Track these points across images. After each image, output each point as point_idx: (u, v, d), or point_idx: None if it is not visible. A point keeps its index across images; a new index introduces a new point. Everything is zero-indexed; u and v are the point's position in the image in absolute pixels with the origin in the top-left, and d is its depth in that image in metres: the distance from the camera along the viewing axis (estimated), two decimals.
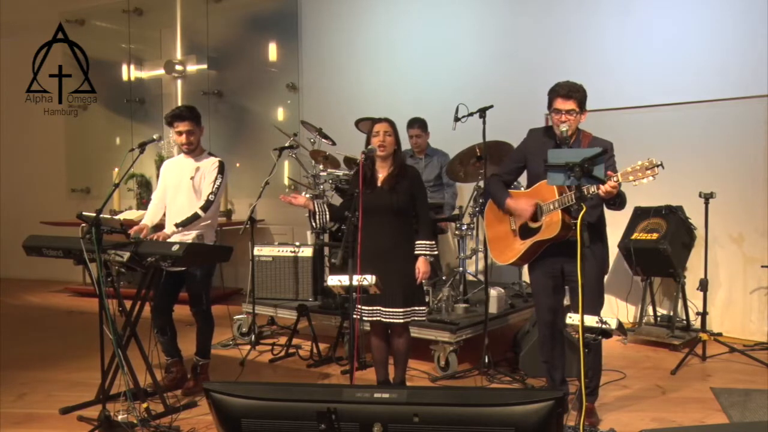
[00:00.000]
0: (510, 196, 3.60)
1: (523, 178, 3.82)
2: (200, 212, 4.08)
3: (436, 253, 3.93)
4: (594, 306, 3.38)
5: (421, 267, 3.76)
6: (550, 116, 3.47)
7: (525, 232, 3.54)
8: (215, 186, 4.15)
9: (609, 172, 3.05)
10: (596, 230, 3.44)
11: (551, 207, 3.37)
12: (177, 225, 4.04)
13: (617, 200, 3.23)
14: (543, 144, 3.44)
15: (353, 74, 7.23)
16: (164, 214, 4.32)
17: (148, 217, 4.31)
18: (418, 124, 5.79)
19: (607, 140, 3.46)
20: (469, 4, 6.61)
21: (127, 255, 3.62)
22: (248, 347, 5.14)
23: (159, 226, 4.32)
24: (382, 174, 3.83)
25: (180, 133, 4.16)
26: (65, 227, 7.42)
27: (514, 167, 3.70)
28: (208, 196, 4.13)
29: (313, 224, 4.04)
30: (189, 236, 4.09)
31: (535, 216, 3.48)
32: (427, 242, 3.79)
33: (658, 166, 2.90)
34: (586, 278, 3.37)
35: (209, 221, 4.20)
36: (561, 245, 3.36)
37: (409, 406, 1.74)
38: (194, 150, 4.24)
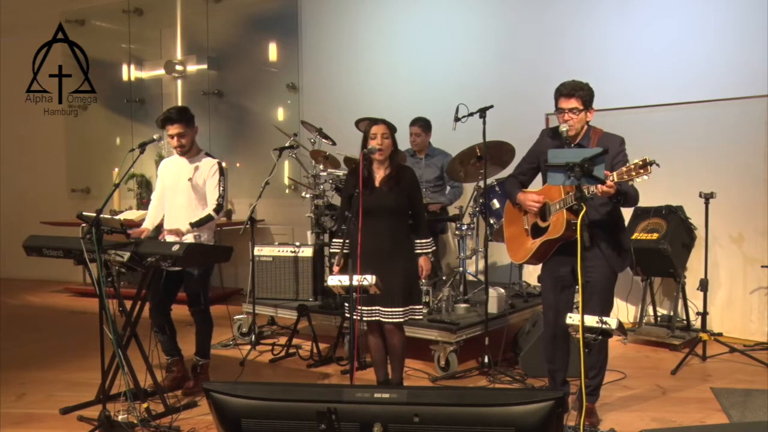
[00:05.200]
0: (523, 192, 3.63)
1: None
2: (213, 214, 4.14)
3: (434, 248, 4.00)
4: (603, 308, 3.38)
5: (424, 265, 3.84)
6: (557, 116, 3.48)
7: (536, 231, 3.56)
8: (221, 188, 4.18)
9: (606, 172, 3.05)
10: (607, 230, 3.43)
11: (557, 207, 3.38)
12: (192, 224, 4.07)
13: (621, 198, 3.23)
14: (551, 144, 3.45)
15: (353, 74, 7.23)
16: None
17: (149, 220, 4.31)
18: (420, 123, 5.77)
19: (618, 135, 3.46)
20: (470, 4, 6.60)
21: (127, 255, 3.62)
22: (248, 347, 5.14)
23: (160, 228, 4.32)
24: (379, 175, 3.85)
25: (171, 137, 4.17)
26: (65, 227, 7.43)
27: (527, 168, 3.71)
28: (218, 199, 4.16)
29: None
30: (188, 237, 4.09)
31: (544, 215, 3.50)
32: (426, 240, 3.87)
33: (651, 164, 2.92)
34: (596, 280, 3.39)
35: None
36: (572, 246, 3.34)
37: (409, 406, 1.74)
38: (188, 151, 4.24)
